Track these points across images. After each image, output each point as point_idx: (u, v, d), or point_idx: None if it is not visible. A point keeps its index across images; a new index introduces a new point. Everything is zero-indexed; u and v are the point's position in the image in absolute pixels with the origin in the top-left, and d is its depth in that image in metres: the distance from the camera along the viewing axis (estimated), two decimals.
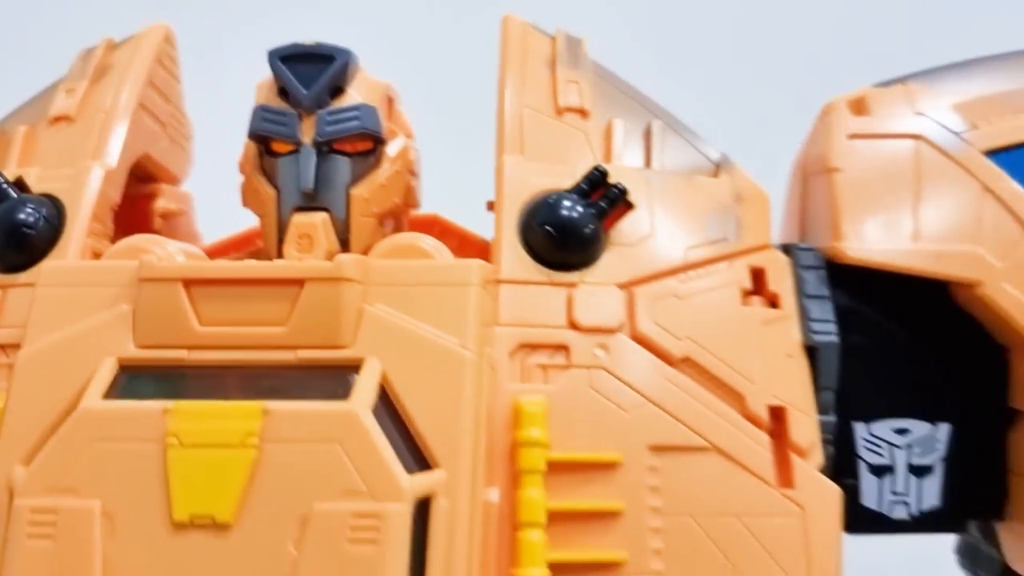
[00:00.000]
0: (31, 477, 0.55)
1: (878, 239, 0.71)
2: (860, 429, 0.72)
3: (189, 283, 0.61)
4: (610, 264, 0.68)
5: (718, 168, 0.76)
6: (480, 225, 0.85)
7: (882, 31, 1.28)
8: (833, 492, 0.65)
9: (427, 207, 0.91)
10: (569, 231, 0.67)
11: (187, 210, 0.88)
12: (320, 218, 0.73)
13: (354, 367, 0.58)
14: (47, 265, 0.66)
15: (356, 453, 0.54)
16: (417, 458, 0.56)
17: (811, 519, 0.64)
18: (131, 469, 0.55)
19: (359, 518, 0.53)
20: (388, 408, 0.57)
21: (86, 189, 0.72)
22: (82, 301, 0.62)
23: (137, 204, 0.84)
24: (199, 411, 0.56)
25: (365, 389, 0.56)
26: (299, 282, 0.60)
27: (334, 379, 0.58)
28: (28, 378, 0.60)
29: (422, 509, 0.55)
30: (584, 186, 0.69)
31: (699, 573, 0.61)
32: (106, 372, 0.59)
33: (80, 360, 0.60)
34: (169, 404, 0.56)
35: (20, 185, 0.72)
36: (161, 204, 0.85)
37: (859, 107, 0.77)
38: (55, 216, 0.70)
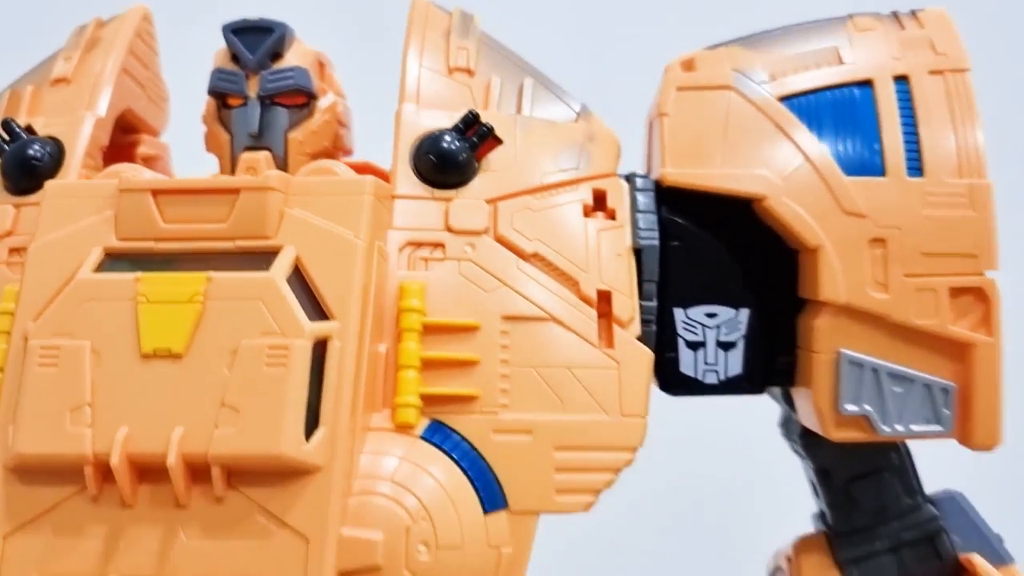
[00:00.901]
0: (40, 326, 0.75)
1: (691, 166, 0.91)
2: (679, 313, 0.90)
3: (155, 192, 0.80)
4: (480, 185, 0.87)
5: (578, 116, 0.96)
6: None
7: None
8: (644, 352, 0.84)
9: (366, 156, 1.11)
10: (447, 159, 0.87)
11: (164, 156, 1.09)
12: (263, 155, 0.92)
13: (275, 252, 0.77)
14: (51, 183, 0.85)
15: (273, 307, 0.73)
16: (319, 313, 0.75)
17: (625, 371, 0.82)
18: (112, 318, 0.74)
19: (273, 349, 0.72)
20: (299, 279, 0.76)
21: (81, 132, 0.91)
22: (77, 208, 0.81)
23: (123, 150, 1.03)
24: (161, 279, 0.75)
25: (282, 265, 0.76)
26: (236, 191, 0.79)
27: (261, 260, 0.76)
28: (37, 263, 0.79)
29: (321, 348, 0.74)
30: (460, 125, 0.88)
31: (535, 405, 0.80)
32: (95, 257, 0.78)
33: (76, 249, 0.78)
34: (140, 275, 0.76)
35: (29, 130, 0.91)
36: (142, 150, 1.05)
37: (689, 65, 0.96)
38: (57, 153, 0.90)
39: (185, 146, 1.12)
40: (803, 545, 0.98)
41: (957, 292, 0.86)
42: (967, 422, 0.87)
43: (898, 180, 0.88)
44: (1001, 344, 0.86)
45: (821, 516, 1.01)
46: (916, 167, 0.89)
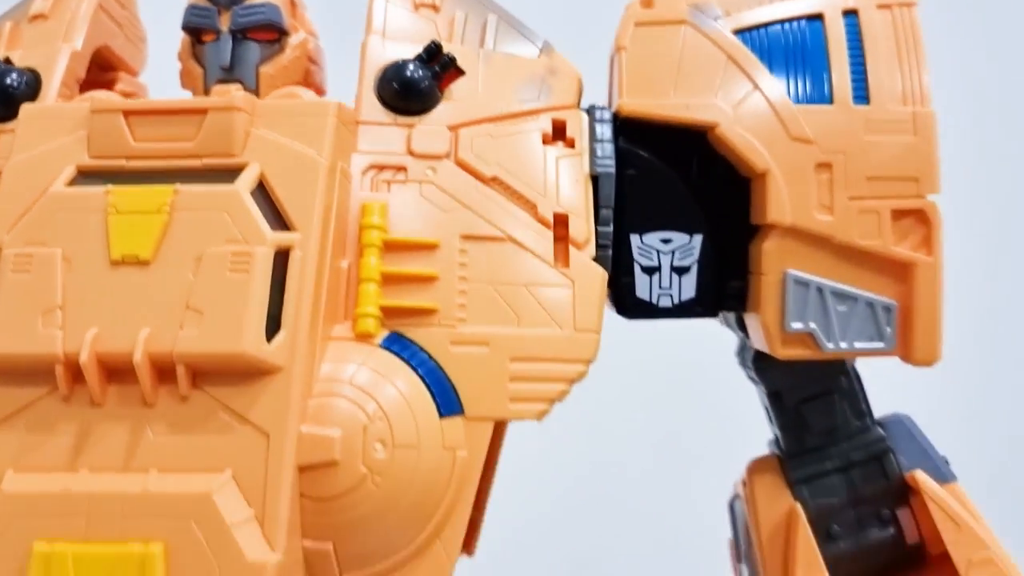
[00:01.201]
0: (14, 236, 0.78)
1: (647, 97, 0.94)
2: (635, 239, 0.93)
3: (127, 113, 0.83)
4: (442, 112, 0.90)
5: (541, 52, 1.00)
6: None
7: None
8: (598, 271, 0.87)
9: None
10: (410, 86, 0.90)
11: (141, 94, 1.12)
12: (234, 87, 0.96)
13: (241, 169, 0.80)
14: (26, 106, 0.88)
15: (237, 217, 0.77)
16: (281, 225, 0.79)
17: (579, 289, 0.86)
18: (82, 228, 0.77)
19: (236, 256, 0.75)
20: (263, 193, 0.79)
21: (57, 63, 0.94)
22: (52, 129, 0.84)
23: (101, 87, 1.07)
24: (130, 191, 0.79)
25: (246, 179, 0.79)
26: (204, 111, 0.82)
27: (227, 175, 0.80)
28: (13, 179, 0.82)
29: (283, 258, 0.78)
30: (423, 56, 0.92)
31: (492, 319, 0.84)
32: (68, 173, 0.81)
33: (50, 166, 0.82)
34: (110, 187, 0.79)
35: (7, 62, 0.94)
36: (120, 87, 1.08)
37: (648, 3, 0.98)
38: (34, 82, 0.93)
39: (163, 90, 1.15)
40: (756, 466, 1.02)
41: (899, 214, 0.90)
42: (908, 339, 0.90)
43: (844, 107, 0.92)
44: (941, 264, 0.89)
45: (775, 441, 1.05)
46: (862, 96, 0.92)
